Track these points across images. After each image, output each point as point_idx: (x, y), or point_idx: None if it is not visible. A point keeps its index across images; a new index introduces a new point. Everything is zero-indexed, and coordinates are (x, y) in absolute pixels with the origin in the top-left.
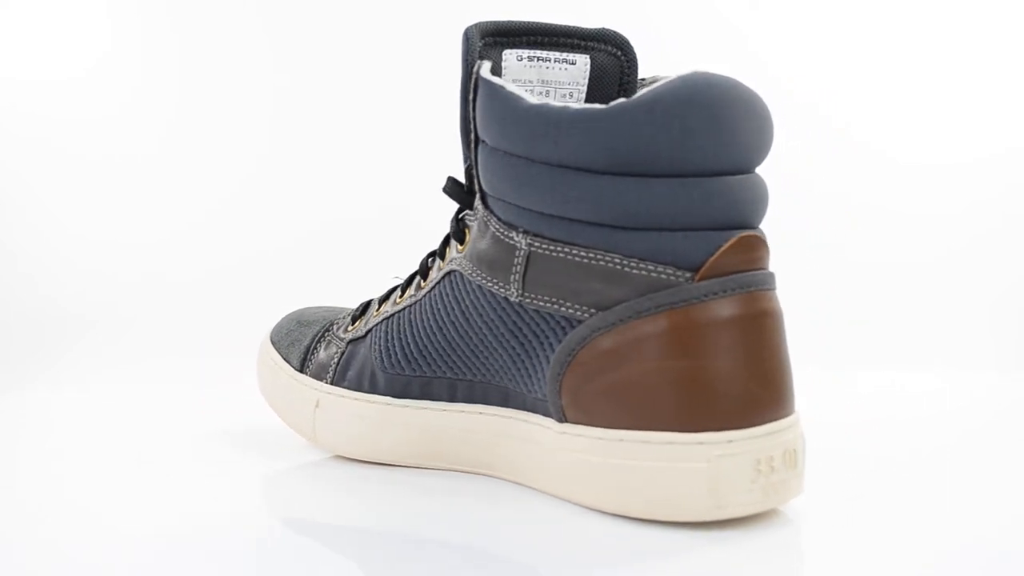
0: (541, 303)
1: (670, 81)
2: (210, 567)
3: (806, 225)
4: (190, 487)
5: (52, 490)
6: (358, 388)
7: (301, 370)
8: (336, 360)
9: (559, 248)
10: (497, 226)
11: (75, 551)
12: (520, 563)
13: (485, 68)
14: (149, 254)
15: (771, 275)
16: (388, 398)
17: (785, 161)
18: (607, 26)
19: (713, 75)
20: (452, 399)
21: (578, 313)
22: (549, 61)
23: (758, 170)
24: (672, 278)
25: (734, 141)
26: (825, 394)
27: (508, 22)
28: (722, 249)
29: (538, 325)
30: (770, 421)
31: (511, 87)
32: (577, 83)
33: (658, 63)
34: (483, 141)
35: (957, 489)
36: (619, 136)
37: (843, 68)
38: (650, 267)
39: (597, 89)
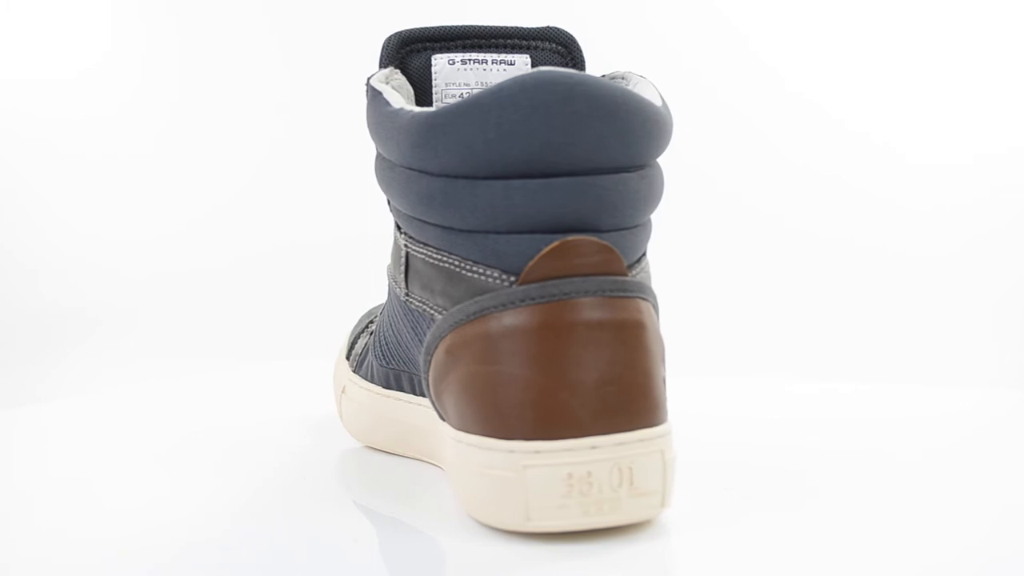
0: (415, 301)
1: (503, 80)
2: (218, 562)
3: (804, 224)
4: (196, 485)
5: (58, 491)
6: (366, 377)
7: (348, 357)
8: (362, 349)
9: (419, 248)
10: (394, 226)
11: (81, 552)
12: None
13: (380, 75)
14: (150, 253)
15: (609, 281)
16: (379, 388)
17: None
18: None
19: (549, 72)
20: (412, 391)
21: (435, 313)
22: (486, 63)
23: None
24: (496, 282)
25: (563, 141)
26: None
27: (439, 27)
28: (541, 253)
29: (417, 323)
30: (591, 435)
31: (388, 93)
32: None
33: (656, 63)
34: None
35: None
36: (442, 139)
37: (815, 60)
38: (480, 270)
39: None
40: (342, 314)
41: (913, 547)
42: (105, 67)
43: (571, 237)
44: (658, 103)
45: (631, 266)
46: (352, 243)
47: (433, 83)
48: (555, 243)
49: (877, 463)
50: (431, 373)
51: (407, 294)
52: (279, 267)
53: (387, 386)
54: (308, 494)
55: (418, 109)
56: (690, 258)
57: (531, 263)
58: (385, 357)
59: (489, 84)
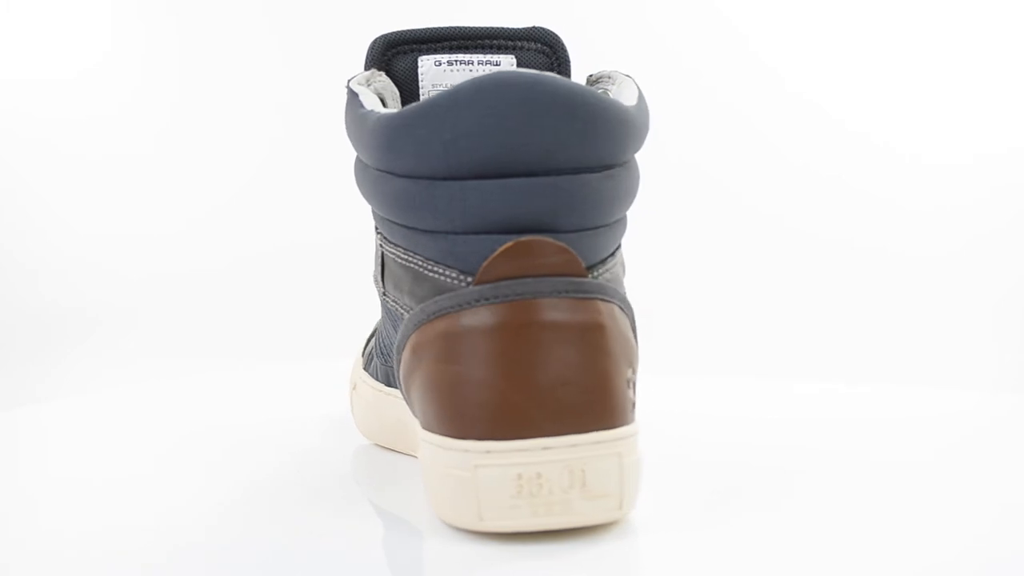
0: (391, 301)
1: (461, 83)
2: (218, 562)
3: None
4: (196, 485)
5: (58, 491)
6: (372, 375)
7: (363, 355)
8: (371, 347)
9: (391, 249)
10: (374, 227)
11: (81, 552)
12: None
13: (360, 77)
14: (150, 253)
15: (565, 282)
16: (380, 385)
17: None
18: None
19: (505, 73)
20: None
21: (404, 312)
22: (472, 64)
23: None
24: (455, 282)
25: (519, 142)
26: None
27: (425, 29)
28: (495, 254)
29: (396, 322)
30: (543, 436)
31: (364, 95)
32: None
33: (656, 63)
34: None
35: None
36: (403, 141)
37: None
38: (440, 270)
39: None
40: (342, 314)
41: (912, 547)
42: (105, 67)
43: (526, 238)
44: (631, 103)
45: (594, 267)
46: (353, 243)
47: (420, 84)
48: (509, 243)
49: (875, 463)
50: (401, 372)
51: (384, 293)
52: (279, 267)
53: (387, 384)
54: (307, 494)
55: (384, 111)
56: (689, 258)
57: (485, 263)
58: (383, 355)
59: None
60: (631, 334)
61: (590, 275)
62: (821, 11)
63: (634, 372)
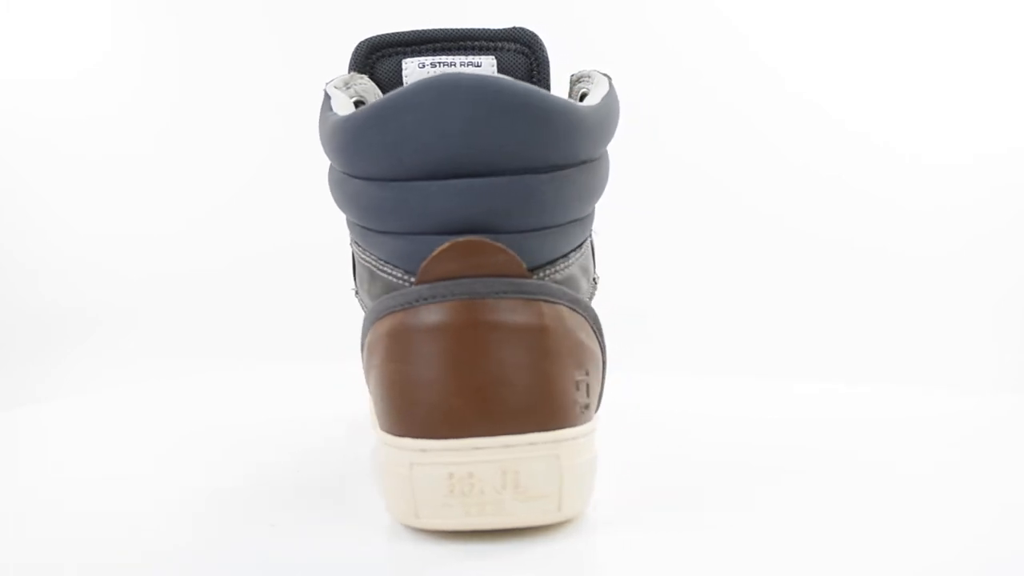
0: (359, 299)
1: (408, 85)
2: (218, 562)
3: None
4: (196, 485)
5: (58, 491)
6: None
7: None
8: None
9: (356, 248)
10: None
11: (81, 552)
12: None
13: (338, 79)
14: (150, 253)
15: (503, 282)
16: None
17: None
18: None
19: (450, 76)
20: None
21: (364, 310)
22: (455, 65)
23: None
24: (400, 281)
25: (460, 144)
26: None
27: (409, 32)
28: (432, 255)
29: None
30: (477, 436)
31: (336, 98)
32: None
33: (657, 63)
34: None
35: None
36: (355, 143)
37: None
38: (388, 269)
39: None
40: (342, 314)
41: (912, 547)
42: (105, 67)
43: (464, 238)
44: (594, 102)
45: (540, 268)
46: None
47: (404, 86)
48: (446, 244)
49: (875, 463)
50: (363, 370)
51: (356, 292)
52: (279, 267)
53: None
54: (307, 494)
55: (343, 113)
56: (689, 258)
57: (423, 264)
58: None
59: None
60: (586, 336)
61: (535, 276)
62: (821, 11)
63: (589, 374)
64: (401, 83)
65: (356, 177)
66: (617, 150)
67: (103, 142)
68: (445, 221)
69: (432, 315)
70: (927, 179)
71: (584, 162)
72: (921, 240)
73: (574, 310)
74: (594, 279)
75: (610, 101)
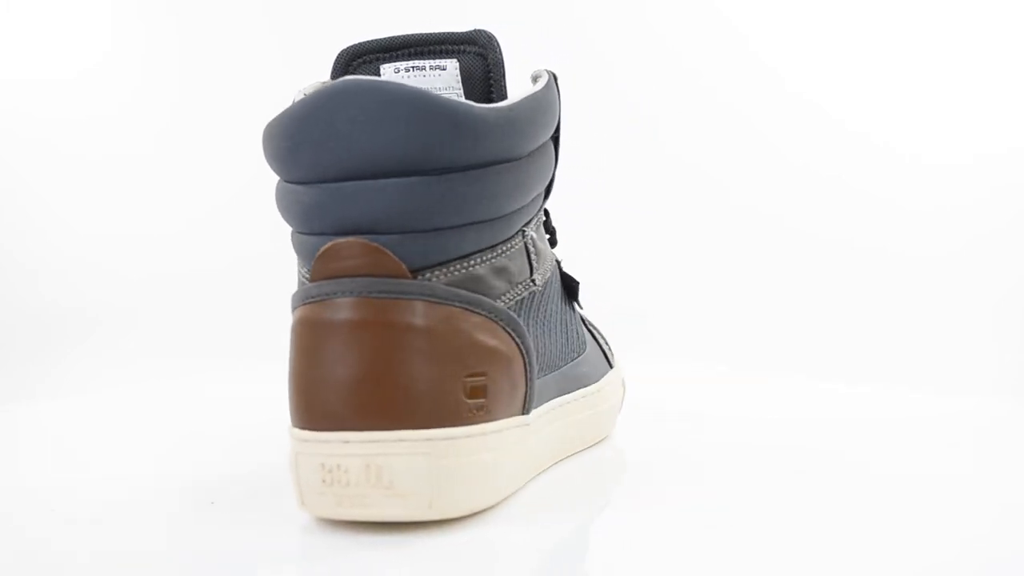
0: None
1: (311, 92)
2: (218, 561)
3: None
4: (196, 485)
5: (58, 491)
6: None
7: None
8: None
9: None
10: None
11: (81, 552)
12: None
13: (313, 84)
14: (150, 253)
15: (375, 282)
16: None
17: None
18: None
19: (340, 82)
20: None
21: None
22: (425, 69)
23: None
24: (304, 279)
25: (343, 147)
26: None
27: (385, 38)
28: (316, 255)
29: None
30: (347, 430)
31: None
32: (451, 87)
33: (657, 63)
34: None
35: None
36: (269, 146)
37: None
38: (299, 267)
39: (470, 90)
40: None
41: (912, 547)
42: (105, 67)
43: (339, 240)
44: (512, 102)
45: (426, 269)
46: None
47: None
48: (326, 245)
49: (874, 463)
50: None
51: None
52: (279, 267)
53: None
54: None
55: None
56: (689, 258)
57: (312, 264)
58: None
59: (432, 89)
60: (490, 337)
61: (419, 277)
62: (821, 11)
63: (487, 375)
64: None
65: (279, 178)
66: (617, 150)
67: (103, 142)
68: (333, 223)
69: (307, 313)
70: (927, 179)
71: (490, 164)
72: (921, 240)
73: (472, 311)
74: (530, 280)
75: (534, 101)
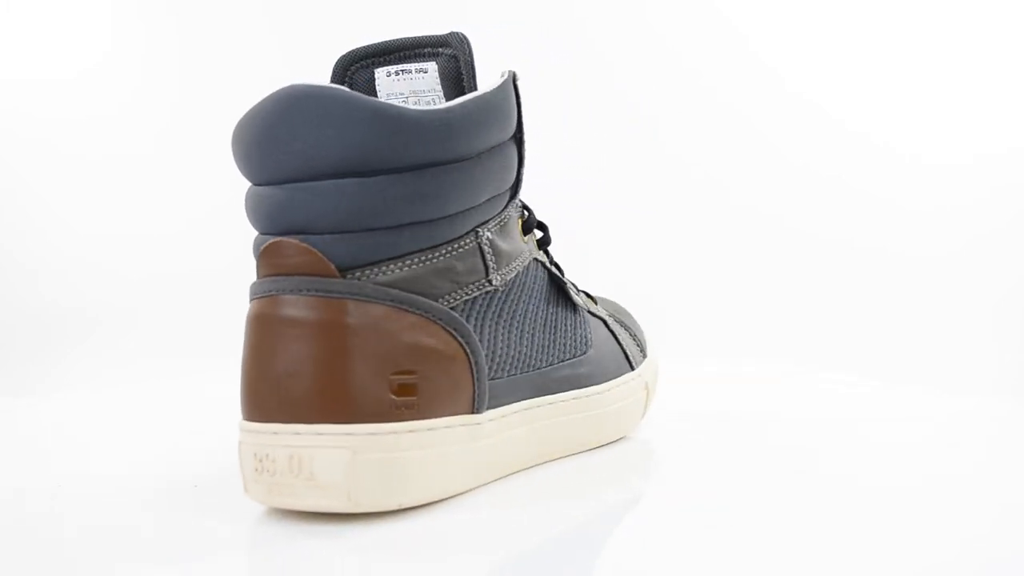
0: None
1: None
2: (218, 561)
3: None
4: (195, 485)
5: (58, 491)
6: None
7: None
8: None
9: None
10: None
11: (81, 552)
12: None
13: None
14: (150, 253)
15: (308, 281)
16: None
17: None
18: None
19: (286, 88)
20: None
21: None
22: (411, 72)
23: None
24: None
25: (280, 150)
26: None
27: (378, 43)
28: (259, 253)
29: None
30: (275, 422)
31: None
32: (434, 88)
33: (657, 63)
34: None
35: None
36: (232, 150)
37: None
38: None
39: (449, 91)
40: None
41: (912, 547)
42: (105, 67)
43: (275, 239)
44: (458, 102)
45: (357, 268)
46: None
47: (378, 95)
48: (266, 244)
49: (874, 463)
50: None
51: None
52: None
53: None
54: None
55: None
56: (689, 259)
57: (257, 262)
58: None
59: (416, 91)
60: (426, 336)
61: (348, 276)
62: (821, 11)
63: (417, 373)
64: (375, 92)
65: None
66: (618, 150)
67: (103, 142)
68: (273, 223)
69: (253, 308)
70: (927, 179)
71: (427, 165)
72: (921, 240)
73: (405, 310)
74: (486, 280)
75: (479, 103)
